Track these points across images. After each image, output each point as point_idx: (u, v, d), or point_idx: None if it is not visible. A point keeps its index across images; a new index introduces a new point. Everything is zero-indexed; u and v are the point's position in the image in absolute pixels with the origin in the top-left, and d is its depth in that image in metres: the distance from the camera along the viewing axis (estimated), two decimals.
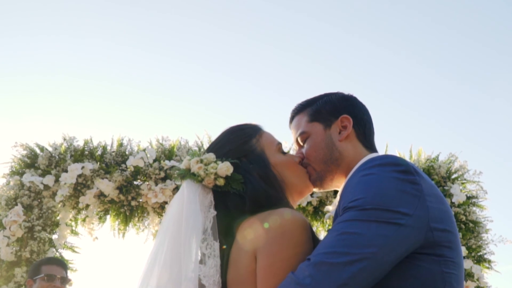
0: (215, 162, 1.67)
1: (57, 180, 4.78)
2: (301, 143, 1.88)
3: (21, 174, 4.86)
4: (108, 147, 4.99)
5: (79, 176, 4.77)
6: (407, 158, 4.80)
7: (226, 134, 1.83)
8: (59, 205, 4.84)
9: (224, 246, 1.63)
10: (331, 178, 1.82)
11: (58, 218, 4.86)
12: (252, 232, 1.55)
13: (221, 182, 1.65)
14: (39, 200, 4.79)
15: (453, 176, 4.66)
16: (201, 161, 1.66)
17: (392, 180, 1.52)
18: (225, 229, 1.65)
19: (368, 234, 1.43)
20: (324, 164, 1.81)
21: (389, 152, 4.87)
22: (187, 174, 1.67)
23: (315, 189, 1.89)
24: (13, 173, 4.92)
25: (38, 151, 4.99)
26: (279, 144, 1.85)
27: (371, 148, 1.88)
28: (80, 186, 4.82)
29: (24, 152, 5.00)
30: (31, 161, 4.96)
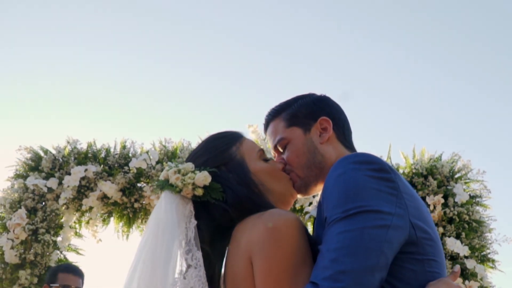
0: (193, 172, 1.65)
1: (60, 183, 4.81)
2: (281, 150, 1.85)
3: (25, 177, 4.89)
4: (112, 150, 5.02)
5: (82, 178, 4.80)
6: (410, 158, 4.77)
7: (205, 143, 1.80)
8: (63, 208, 4.87)
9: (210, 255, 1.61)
10: (315, 183, 1.79)
11: (62, 220, 4.90)
12: (245, 236, 1.53)
13: (199, 192, 1.63)
14: (43, 203, 4.82)
15: (456, 176, 4.63)
16: (179, 171, 1.65)
17: (367, 179, 1.48)
18: (210, 238, 1.62)
19: (364, 248, 1.38)
20: (307, 169, 1.78)
21: (393, 153, 4.84)
22: (165, 185, 1.66)
23: (299, 196, 1.85)
24: (17, 176, 4.96)
25: (42, 154, 5.02)
26: (260, 150, 1.81)
27: (351, 148, 1.86)
28: (84, 189, 4.85)
29: (29, 155, 5.04)
30: (35, 164, 5.00)
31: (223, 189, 1.65)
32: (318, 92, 1.95)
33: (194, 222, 1.62)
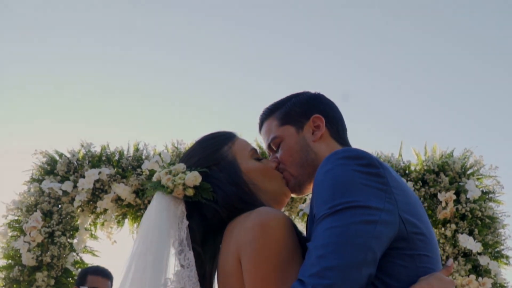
0: (184, 172, 1.67)
1: (75, 186, 4.88)
2: (275, 149, 1.84)
3: (41, 181, 4.98)
4: (125, 152, 5.09)
5: (96, 181, 4.87)
6: (422, 155, 4.75)
7: (198, 144, 1.81)
8: (78, 210, 4.95)
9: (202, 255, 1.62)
10: (309, 181, 1.77)
11: (77, 223, 4.98)
12: (233, 235, 1.53)
13: (190, 192, 1.64)
14: (59, 206, 4.91)
15: (469, 172, 4.59)
16: (170, 172, 1.67)
17: (356, 174, 1.46)
18: (202, 238, 1.63)
19: (351, 244, 1.36)
20: (301, 168, 1.77)
21: (404, 150, 4.82)
22: (157, 186, 1.68)
23: (293, 195, 1.84)
24: (33, 180, 5.05)
25: (57, 158, 5.11)
26: (253, 150, 1.81)
27: (346, 145, 1.84)
28: (98, 191, 4.92)
29: (44, 159, 5.13)
30: (50, 168, 5.08)
31: (214, 189, 1.66)
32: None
33: (186, 222, 1.63)
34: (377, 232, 1.39)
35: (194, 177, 1.64)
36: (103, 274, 4.02)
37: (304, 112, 1.84)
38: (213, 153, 1.75)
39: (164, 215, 1.63)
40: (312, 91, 1.94)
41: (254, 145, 4.38)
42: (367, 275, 1.37)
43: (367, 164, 1.49)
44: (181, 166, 1.70)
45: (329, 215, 1.41)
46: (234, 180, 1.69)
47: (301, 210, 4.61)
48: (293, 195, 1.85)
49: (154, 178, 1.71)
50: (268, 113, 1.90)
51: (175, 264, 1.60)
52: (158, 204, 1.65)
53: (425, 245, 1.50)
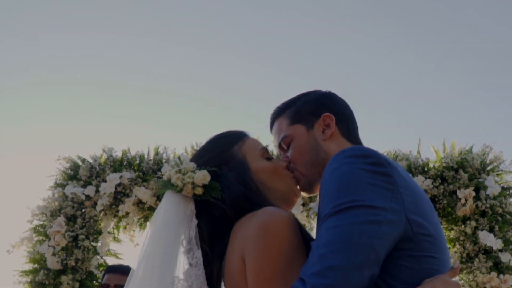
0: (193, 171, 1.69)
1: (97, 190, 4.97)
2: (285, 148, 1.84)
3: (64, 186, 5.08)
4: (145, 156, 5.16)
5: (118, 185, 4.95)
6: (440, 152, 4.73)
7: (208, 143, 1.83)
8: (101, 214, 5.04)
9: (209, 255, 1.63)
10: (319, 180, 1.67)
11: (100, 226, 5.06)
12: (239, 234, 1.54)
13: (199, 191, 1.66)
14: (82, 210, 5.00)
15: (488, 168, 4.56)
16: (180, 171, 1.70)
17: (362, 173, 1.44)
18: (209, 237, 1.64)
19: (353, 244, 1.34)
20: (311, 167, 1.76)
21: (422, 148, 4.81)
22: (168, 185, 1.71)
23: (304, 194, 1.84)
24: (57, 185, 5.16)
25: (80, 163, 5.21)
26: (263, 149, 1.81)
27: (357, 143, 1.83)
28: (120, 195, 5.00)
29: (67, 165, 5.23)
30: (74, 173, 5.18)
31: (222, 188, 1.66)
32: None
33: (195, 221, 1.64)
34: (381, 232, 1.37)
35: (203, 176, 1.66)
36: (115, 270, 4.08)
37: (314, 110, 1.83)
38: (223, 152, 1.76)
39: (173, 213, 1.65)
40: (324, 89, 1.93)
41: (272, 146, 4.44)
42: (369, 276, 1.35)
43: (374, 163, 1.46)
44: (191, 165, 1.72)
45: (333, 214, 1.40)
46: (243, 179, 1.69)
47: (311, 208, 4.62)
48: (304, 195, 1.85)
49: (165, 177, 1.74)
50: (279, 112, 1.90)
51: (184, 263, 1.62)
52: (168, 203, 1.68)
53: (432, 246, 1.47)
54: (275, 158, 1.85)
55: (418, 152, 4.77)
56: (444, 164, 4.59)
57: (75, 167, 5.19)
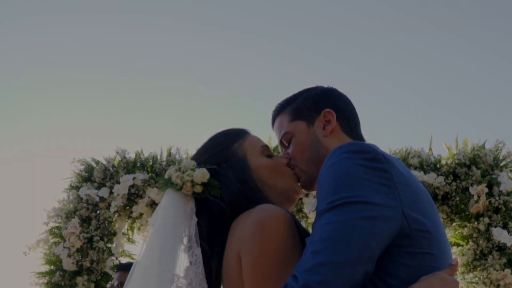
0: (193, 169, 1.70)
1: (111, 192, 5.02)
2: (286, 144, 1.83)
3: (79, 188, 5.14)
4: (158, 157, 5.20)
5: (131, 186, 4.99)
6: (453, 149, 4.70)
7: (209, 141, 1.83)
8: (115, 216, 5.08)
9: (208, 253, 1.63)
10: None
11: (115, 228, 5.12)
12: (236, 232, 1.54)
13: (198, 189, 1.66)
14: (96, 212, 5.05)
15: (501, 164, 4.51)
16: (179, 169, 1.72)
17: (359, 168, 1.42)
18: (208, 235, 1.65)
19: (347, 241, 1.33)
20: (312, 163, 1.74)
21: (434, 145, 4.78)
22: (168, 183, 1.72)
23: (306, 191, 1.83)
24: (72, 187, 5.22)
25: (94, 165, 5.26)
26: (264, 146, 1.81)
27: (359, 139, 1.81)
28: (133, 196, 5.04)
29: (82, 167, 5.29)
30: (88, 175, 5.24)
31: (220, 186, 1.67)
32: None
33: (195, 219, 1.65)
34: (376, 228, 1.35)
35: (201, 174, 1.66)
36: (119, 268, 4.18)
37: (315, 106, 1.82)
38: (223, 150, 1.76)
39: (173, 211, 1.66)
40: (325, 85, 1.92)
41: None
42: (363, 272, 1.33)
43: (371, 159, 1.45)
44: (191, 163, 1.72)
45: (328, 210, 1.38)
46: (242, 177, 1.69)
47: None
48: (305, 191, 1.84)
49: (166, 175, 1.74)
50: (280, 109, 1.89)
51: (185, 261, 1.62)
52: (168, 201, 1.69)
53: (430, 243, 1.44)
54: (276, 155, 1.84)
55: (430, 149, 4.74)
56: (456, 161, 4.55)
57: (89, 169, 5.25)
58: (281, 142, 1.87)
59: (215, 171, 1.71)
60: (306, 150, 1.77)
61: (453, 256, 1.76)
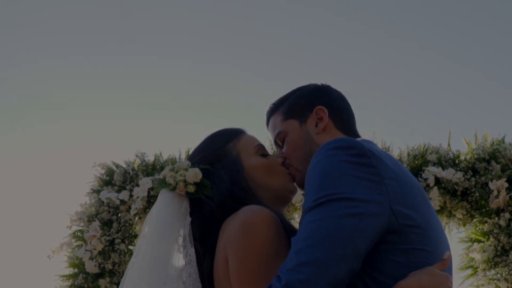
0: (186, 169, 1.71)
1: (131, 195, 5.08)
2: (280, 144, 1.83)
3: (100, 191, 5.22)
4: (177, 159, 5.24)
5: (151, 189, 5.03)
6: (472, 144, 4.63)
7: (204, 140, 1.84)
8: (136, 218, 5.14)
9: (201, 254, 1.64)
10: None
11: (136, 230, 5.17)
12: (224, 234, 1.55)
13: (191, 189, 1.67)
14: (117, 215, 5.12)
15: None
16: (173, 169, 1.73)
17: (344, 164, 1.40)
18: (200, 235, 1.66)
19: (331, 238, 1.31)
20: (305, 162, 1.67)
21: (453, 140, 4.71)
22: (162, 183, 1.73)
23: (302, 190, 1.78)
24: (93, 191, 5.30)
25: (114, 168, 5.33)
26: (258, 146, 1.81)
27: (353, 135, 1.80)
28: (153, 199, 5.08)
29: (103, 171, 5.37)
30: (109, 178, 5.31)
31: (211, 186, 1.67)
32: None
33: (189, 219, 1.66)
34: (362, 225, 1.33)
35: (194, 174, 1.68)
36: None
37: (308, 104, 1.81)
38: (217, 150, 1.77)
39: (167, 211, 1.67)
40: (319, 83, 1.91)
41: None
42: (348, 271, 1.31)
43: (357, 154, 1.43)
44: (185, 163, 1.74)
45: (313, 208, 1.37)
46: (235, 177, 1.69)
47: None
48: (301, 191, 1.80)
49: (161, 176, 1.76)
50: (274, 109, 1.89)
51: (179, 261, 1.63)
52: (162, 201, 1.71)
53: (421, 238, 1.42)
54: (271, 155, 1.84)
55: (449, 145, 4.68)
56: (475, 156, 4.48)
57: (110, 173, 5.32)
58: (275, 142, 1.87)
59: (209, 171, 1.71)
60: (299, 148, 1.77)
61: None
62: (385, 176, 1.41)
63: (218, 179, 1.69)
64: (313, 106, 1.80)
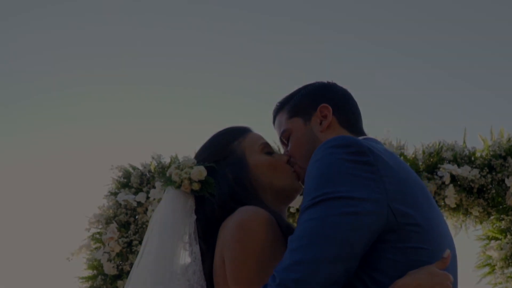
0: (191, 167, 1.73)
1: (148, 197, 5.12)
2: (285, 142, 1.84)
3: (117, 194, 5.27)
4: None
5: None
6: (488, 140, 4.58)
7: (210, 138, 1.85)
8: None
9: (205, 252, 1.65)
10: None
11: None
12: (222, 234, 1.56)
13: (195, 186, 1.69)
14: (135, 217, 5.17)
15: None
16: (179, 167, 1.75)
17: (342, 163, 1.39)
18: (203, 233, 1.67)
19: (326, 237, 1.31)
20: (309, 160, 1.66)
21: (469, 137, 4.67)
22: (168, 181, 1.76)
23: None
24: (111, 193, 5.35)
25: (131, 171, 5.38)
26: (263, 144, 1.82)
27: (358, 133, 1.79)
28: None
29: (120, 173, 5.42)
30: (126, 181, 5.37)
31: (215, 183, 1.69)
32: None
33: (194, 216, 1.67)
34: (359, 224, 1.32)
35: (199, 172, 1.69)
36: None
37: (312, 102, 1.81)
38: (222, 147, 1.78)
39: (172, 209, 1.69)
40: (325, 80, 1.91)
41: None
42: (343, 270, 1.31)
43: (356, 152, 1.42)
44: (190, 161, 1.75)
45: (310, 206, 1.37)
46: (238, 175, 1.70)
47: None
48: None
49: (167, 174, 1.79)
50: (280, 107, 1.89)
51: (185, 258, 1.66)
52: (167, 198, 1.73)
53: (421, 237, 1.39)
54: (276, 153, 1.85)
55: (464, 142, 4.64)
56: (491, 153, 4.44)
57: (127, 175, 5.37)
58: (281, 140, 1.87)
59: (214, 169, 1.72)
60: (303, 146, 1.76)
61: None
62: (384, 174, 1.40)
63: (222, 178, 1.71)
64: (317, 104, 1.80)
